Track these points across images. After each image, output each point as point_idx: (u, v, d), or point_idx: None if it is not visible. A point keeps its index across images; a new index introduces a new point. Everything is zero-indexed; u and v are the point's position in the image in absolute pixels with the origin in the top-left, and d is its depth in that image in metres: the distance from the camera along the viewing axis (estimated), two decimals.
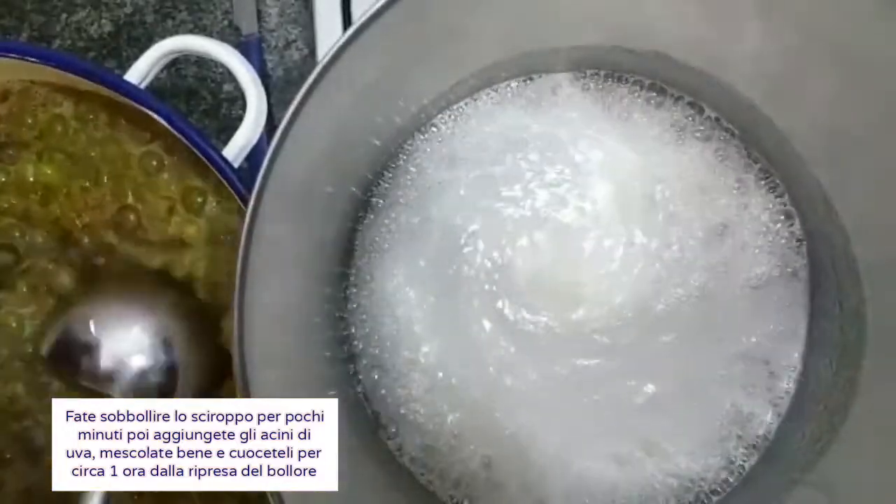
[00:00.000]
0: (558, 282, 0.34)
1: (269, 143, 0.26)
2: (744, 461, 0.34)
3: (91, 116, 0.36)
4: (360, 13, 0.26)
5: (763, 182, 0.35)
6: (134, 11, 0.46)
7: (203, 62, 0.46)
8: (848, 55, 0.28)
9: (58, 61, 0.33)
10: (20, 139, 0.36)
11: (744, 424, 0.34)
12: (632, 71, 0.35)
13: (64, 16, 0.47)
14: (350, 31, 0.26)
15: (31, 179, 0.35)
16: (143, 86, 0.36)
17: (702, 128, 0.35)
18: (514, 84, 0.36)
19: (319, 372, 0.33)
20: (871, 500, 0.29)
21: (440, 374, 0.34)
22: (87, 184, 0.35)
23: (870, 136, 0.30)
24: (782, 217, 0.35)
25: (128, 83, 0.34)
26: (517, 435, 0.33)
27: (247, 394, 0.25)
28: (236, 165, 0.34)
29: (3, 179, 0.35)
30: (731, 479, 0.34)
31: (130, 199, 0.35)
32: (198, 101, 0.46)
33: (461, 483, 0.34)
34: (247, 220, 0.26)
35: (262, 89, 0.36)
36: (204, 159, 0.33)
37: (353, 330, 0.35)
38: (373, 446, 0.34)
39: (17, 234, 0.35)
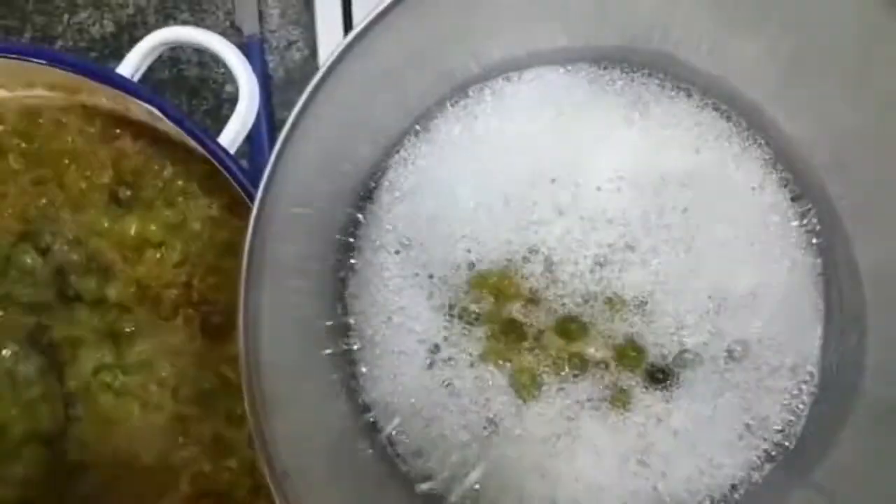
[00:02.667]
0: None
1: (270, 144, 0.26)
2: (750, 469, 0.34)
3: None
4: (360, 14, 0.26)
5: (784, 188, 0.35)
6: (136, 12, 0.47)
7: (205, 63, 0.46)
8: (849, 56, 0.28)
9: (49, 58, 0.33)
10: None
11: (748, 431, 0.34)
12: (643, 65, 0.35)
13: (66, 16, 0.47)
14: (353, 33, 0.26)
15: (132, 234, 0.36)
16: (136, 77, 0.36)
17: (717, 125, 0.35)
18: (517, 81, 0.36)
19: (321, 369, 0.33)
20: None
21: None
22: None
23: (871, 136, 0.30)
24: (794, 219, 0.34)
25: (121, 76, 0.34)
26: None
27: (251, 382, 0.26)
28: (232, 151, 0.34)
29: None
30: (738, 487, 0.34)
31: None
32: (199, 101, 0.46)
33: None
34: (252, 218, 0.26)
35: (252, 75, 0.36)
36: (200, 148, 0.33)
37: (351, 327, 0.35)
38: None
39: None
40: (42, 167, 0.36)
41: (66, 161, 0.36)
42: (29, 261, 0.36)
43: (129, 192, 0.36)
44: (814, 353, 0.34)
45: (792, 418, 0.34)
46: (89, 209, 0.36)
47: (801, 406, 0.34)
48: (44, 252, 0.36)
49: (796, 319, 0.34)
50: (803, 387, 0.34)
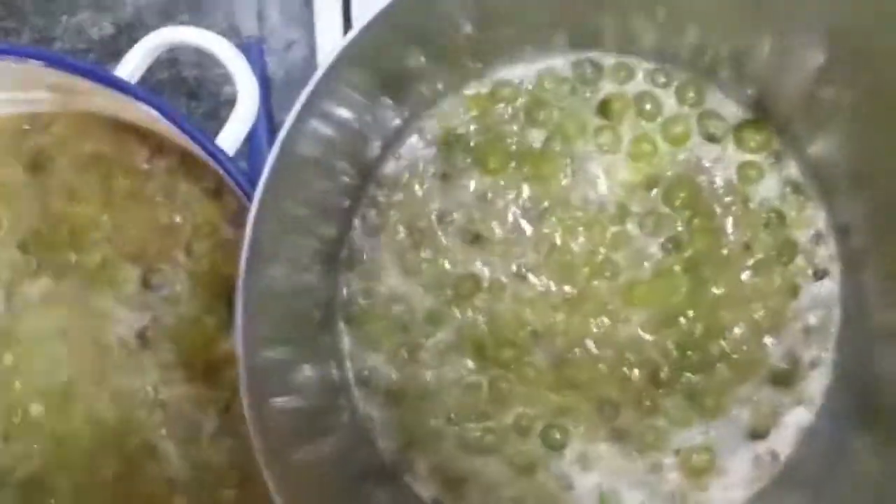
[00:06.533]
0: None
1: (269, 145, 0.26)
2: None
3: None
4: (360, 15, 0.26)
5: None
6: (135, 13, 0.46)
7: (204, 64, 0.46)
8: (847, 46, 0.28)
9: (47, 59, 0.33)
10: None
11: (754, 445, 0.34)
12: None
13: (65, 17, 0.47)
14: (353, 33, 0.26)
15: None
16: (135, 79, 0.36)
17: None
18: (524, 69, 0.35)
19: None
20: None
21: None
22: None
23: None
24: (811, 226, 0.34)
25: (119, 78, 0.34)
26: None
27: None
28: (231, 153, 0.34)
29: None
30: None
31: None
32: (198, 102, 0.46)
33: None
34: (250, 220, 0.26)
35: (252, 75, 0.36)
36: (199, 150, 0.32)
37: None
38: None
39: None
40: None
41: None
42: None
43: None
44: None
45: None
46: None
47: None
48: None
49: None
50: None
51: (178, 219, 0.37)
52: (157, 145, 0.37)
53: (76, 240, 0.37)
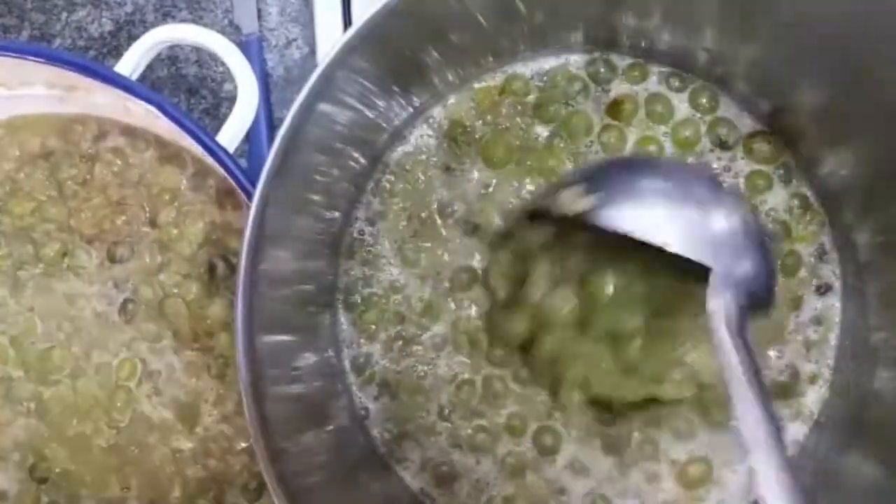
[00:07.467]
0: None
1: (269, 143, 0.26)
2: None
3: None
4: (360, 12, 0.26)
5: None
6: (134, 10, 0.46)
7: (203, 61, 0.46)
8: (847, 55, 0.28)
9: (47, 56, 0.33)
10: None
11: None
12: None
13: (64, 14, 0.47)
14: (352, 30, 0.26)
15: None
16: (134, 76, 0.36)
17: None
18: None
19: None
20: None
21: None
22: None
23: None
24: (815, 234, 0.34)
25: (119, 74, 0.34)
26: None
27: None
28: (231, 150, 0.34)
29: None
30: None
31: None
32: (198, 99, 0.46)
33: None
34: (250, 218, 0.26)
35: (251, 73, 0.36)
36: (199, 147, 0.33)
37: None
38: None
39: None
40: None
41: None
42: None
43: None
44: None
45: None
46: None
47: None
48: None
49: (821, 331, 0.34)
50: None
51: (129, 192, 0.37)
52: (99, 128, 0.38)
53: (28, 235, 0.38)
